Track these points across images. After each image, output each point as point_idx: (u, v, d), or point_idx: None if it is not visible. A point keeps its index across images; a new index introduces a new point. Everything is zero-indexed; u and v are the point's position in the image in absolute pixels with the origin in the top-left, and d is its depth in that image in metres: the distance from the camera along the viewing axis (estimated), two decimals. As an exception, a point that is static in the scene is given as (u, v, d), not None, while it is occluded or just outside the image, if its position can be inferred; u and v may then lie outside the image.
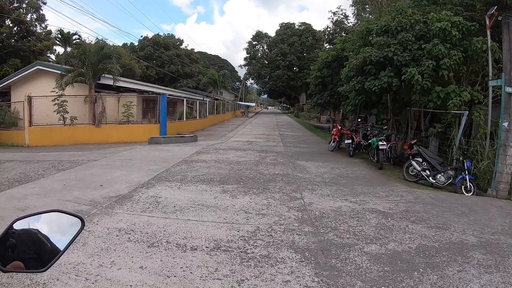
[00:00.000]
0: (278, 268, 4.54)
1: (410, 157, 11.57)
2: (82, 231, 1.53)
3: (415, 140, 12.81)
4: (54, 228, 1.49)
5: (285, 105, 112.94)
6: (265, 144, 19.15)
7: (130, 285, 4.13)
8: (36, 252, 1.38)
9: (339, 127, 17.99)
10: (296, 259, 4.79)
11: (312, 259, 4.80)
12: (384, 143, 13.05)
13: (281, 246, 5.25)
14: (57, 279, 4.24)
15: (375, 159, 13.37)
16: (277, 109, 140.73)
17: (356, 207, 7.42)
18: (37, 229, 1.42)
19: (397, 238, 5.63)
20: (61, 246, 1.44)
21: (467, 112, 11.24)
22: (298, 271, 4.45)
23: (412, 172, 11.31)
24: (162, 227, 6.07)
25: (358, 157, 15.40)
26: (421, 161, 11.11)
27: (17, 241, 1.35)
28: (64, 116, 19.51)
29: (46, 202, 7.77)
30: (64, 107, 19.31)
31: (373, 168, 13.08)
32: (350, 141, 15.84)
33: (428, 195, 8.99)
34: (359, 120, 19.23)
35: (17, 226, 1.40)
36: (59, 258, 1.41)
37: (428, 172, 10.80)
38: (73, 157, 14.39)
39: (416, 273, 4.42)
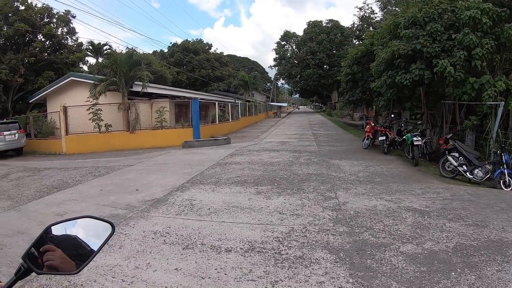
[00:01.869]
0: (313, 269, 4.52)
1: (446, 152, 11.29)
2: (113, 235, 1.57)
3: (450, 134, 12.48)
4: (86, 232, 1.53)
5: (317, 104, 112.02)
6: (299, 144, 19.07)
7: (165, 287, 4.23)
8: (71, 255, 1.43)
9: (373, 124, 17.65)
10: (330, 260, 4.75)
11: (347, 259, 4.75)
12: (419, 138, 12.74)
13: (316, 247, 5.22)
14: (94, 281, 4.37)
15: (410, 155, 13.05)
16: (309, 108, 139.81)
17: (391, 205, 7.28)
18: (76, 234, 1.47)
19: (434, 237, 5.48)
20: (92, 251, 1.48)
21: (503, 102, 10.88)
22: (333, 272, 4.42)
23: (448, 167, 11.01)
24: (197, 229, 6.15)
25: (392, 154, 15.11)
26: (457, 156, 10.80)
27: (54, 245, 1.40)
28: (99, 124, 20.00)
29: (84, 207, 8.00)
30: (98, 115, 19.79)
31: (408, 164, 12.78)
32: (384, 137, 15.56)
33: (465, 191, 8.70)
34: (392, 116, 18.91)
35: (54, 231, 1.45)
36: (90, 262, 1.45)
37: (465, 167, 10.48)
38: (109, 163, 14.71)
39: (453, 273, 4.29)
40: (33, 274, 1.34)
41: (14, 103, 32.46)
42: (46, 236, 1.42)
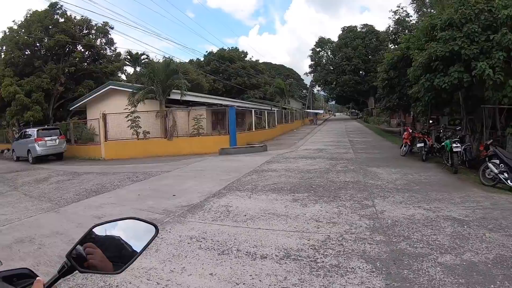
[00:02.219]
0: (348, 278, 4.47)
1: (486, 159, 10.93)
2: (156, 238, 1.60)
3: (491, 140, 12.10)
4: (129, 234, 1.57)
5: (353, 110, 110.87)
6: (335, 151, 18.94)
7: None
8: (114, 256, 1.47)
9: (410, 130, 17.33)
10: (366, 269, 4.69)
11: (383, 269, 4.68)
12: (458, 145, 12.41)
13: (352, 256, 5.16)
14: (129, 282, 4.47)
15: (449, 162, 12.69)
16: (346, 115, 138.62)
17: (430, 214, 7.12)
18: (119, 236, 1.52)
19: (473, 248, 5.31)
20: (135, 252, 1.51)
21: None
22: (369, 281, 4.35)
23: (489, 175, 10.61)
24: (233, 236, 6.20)
25: (431, 161, 14.76)
26: (498, 163, 10.42)
27: (97, 245, 1.45)
28: (137, 130, 20.46)
29: (121, 211, 8.21)
30: (137, 123, 20.24)
31: (447, 172, 12.45)
32: (422, 144, 15.21)
33: (506, 200, 8.42)
34: (430, 121, 18.54)
35: (97, 231, 1.49)
36: (132, 262, 1.49)
37: (506, 174, 10.08)
38: (147, 169, 15.00)
39: (492, 286, 4.14)
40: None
41: (55, 110, 33.49)
42: (89, 236, 1.47)
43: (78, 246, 1.40)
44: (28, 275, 1.53)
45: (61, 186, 12.56)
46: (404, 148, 16.84)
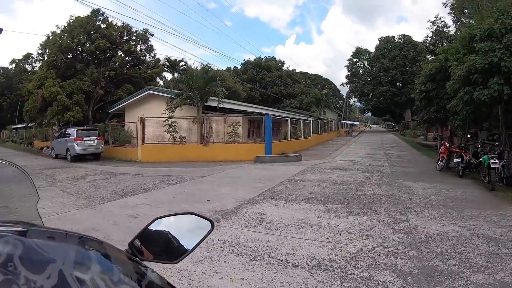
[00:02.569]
0: (379, 292, 4.50)
1: (525, 176, 10.69)
2: (211, 233, 1.69)
3: (531, 158, 11.81)
4: (186, 228, 1.66)
5: (389, 122, 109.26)
6: (370, 164, 18.80)
7: None
8: (166, 248, 1.58)
9: (448, 145, 17.00)
10: (397, 284, 4.68)
11: (415, 285, 4.66)
12: (496, 161, 12.09)
13: (383, 269, 5.17)
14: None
15: (486, 179, 12.35)
16: (382, 127, 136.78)
17: (464, 232, 7.02)
18: (168, 230, 1.62)
19: (507, 268, 5.23)
20: (190, 245, 1.60)
21: None
22: (399, 296, 4.36)
23: (527, 194, 10.41)
24: (265, 242, 6.28)
25: (468, 177, 14.41)
26: (537, 181, 10.18)
27: (153, 237, 1.56)
28: (174, 135, 20.83)
29: (156, 212, 8.23)
30: (174, 127, 20.64)
31: (484, 189, 12.14)
32: (459, 159, 14.87)
33: (545, 221, 8.23)
34: (468, 136, 18.19)
35: (156, 223, 1.60)
36: (189, 254, 1.58)
37: (546, 194, 9.87)
38: (182, 173, 15.26)
39: (525, 307, 4.11)
40: None
41: (94, 112, 34.39)
42: (149, 228, 1.58)
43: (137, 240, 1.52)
44: None
45: (97, 185, 12.94)
46: (441, 163, 16.56)
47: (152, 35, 38.04)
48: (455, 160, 15.15)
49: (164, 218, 1.62)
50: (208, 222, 1.69)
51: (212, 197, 10.20)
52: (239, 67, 68.90)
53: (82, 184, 13.30)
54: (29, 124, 48.44)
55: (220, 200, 9.79)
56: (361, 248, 6.06)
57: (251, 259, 5.51)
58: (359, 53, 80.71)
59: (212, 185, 12.31)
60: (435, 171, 16.27)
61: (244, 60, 72.20)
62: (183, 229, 1.64)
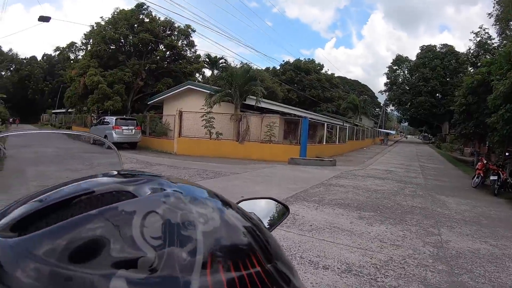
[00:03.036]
0: (407, 302, 4.57)
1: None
2: (287, 218, 1.78)
3: None
4: (264, 212, 1.77)
5: (426, 134, 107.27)
6: (404, 175, 18.60)
7: None
8: None
9: (485, 161, 16.61)
10: (427, 296, 4.74)
11: (444, 298, 4.71)
12: (533, 182, 11.88)
13: (412, 280, 5.19)
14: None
15: (523, 199, 12.25)
16: (418, 138, 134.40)
17: (496, 251, 6.92)
18: (252, 211, 1.74)
19: (535, 290, 5.18)
20: (269, 227, 1.64)
21: None
22: (427, 308, 4.42)
23: None
24: (297, 243, 6.38)
25: (503, 197, 14.02)
26: None
27: None
28: (211, 131, 21.14)
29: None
30: (211, 123, 20.95)
31: (519, 209, 11.98)
32: (496, 177, 14.46)
33: None
34: (507, 154, 17.87)
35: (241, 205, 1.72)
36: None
37: None
38: (217, 168, 15.49)
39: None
40: None
41: (133, 102, 35.15)
42: None
43: None
44: None
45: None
46: (476, 180, 16.25)
47: (194, 31, 38.53)
48: (492, 177, 14.86)
49: (248, 201, 1.70)
50: (285, 207, 1.76)
51: (246, 193, 10.29)
52: (278, 67, 69.09)
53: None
54: (69, 110, 49.75)
55: (254, 196, 9.96)
56: (391, 257, 6.09)
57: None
58: (399, 61, 79.27)
59: (246, 182, 12.48)
60: (470, 187, 16.01)
61: (283, 61, 72.28)
62: (263, 212, 1.75)
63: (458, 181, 18.43)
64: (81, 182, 0.77)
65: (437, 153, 45.02)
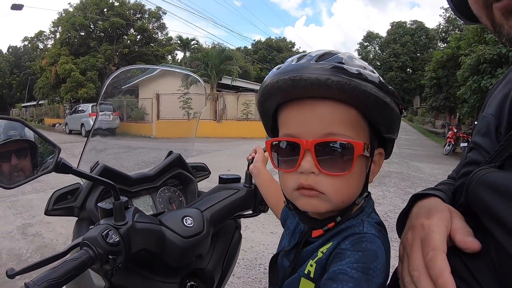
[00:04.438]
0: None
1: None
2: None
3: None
4: None
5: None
6: (380, 145, 19.13)
7: (263, 244, 5.04)
8: None
9: (455, 130, 17.39)
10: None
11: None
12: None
13: (394, 230, 5.63)
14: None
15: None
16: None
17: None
18: None
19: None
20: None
21: None
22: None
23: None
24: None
25: (473, 161, 14.79)
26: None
27: None
28: (188, 112, 21.28)
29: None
30: (188, 104, 21.07)
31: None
32: (466, 144, 15.01)
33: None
34: (476, 122, 18.53)
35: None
36: None
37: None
38: (197, 147, 15.75)
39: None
40: None
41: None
42: None
43: None
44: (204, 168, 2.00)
45: (118, 157, 13.38)
46: (448, 147, 16.95)
47: (165, 13, 38.35)
48: (462, 144, 15.57)
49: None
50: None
51: (231, 167, 10.65)
52: (249, 47, 69.13)
53: (103, 156, 13.80)
54: (40, 102, 48.85)
55: (239, 170, 10.25)
56: (374, 212, 6.55)
57: (277, 219, 6.03)
58: (370, 37, 79.94)
59: (229, 158, 12.85)
60: (442, 155, 16.70)
61: (254, 40, 72.27)
62: None
63: (430, 149, 19.20)
64: None
65: (409, 126, 45.99)
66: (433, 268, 0.64)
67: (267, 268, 1.00)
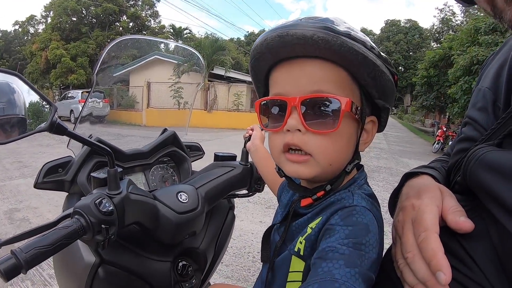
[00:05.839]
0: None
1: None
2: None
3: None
4: None
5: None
6: (368, 140, 19.27)
7: (252, 232, 5.03)
8: None
9: (445, 129, 17.64)
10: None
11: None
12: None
13: (386, 223, 5.69)
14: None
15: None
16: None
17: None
18: None
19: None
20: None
21: None
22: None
23: None
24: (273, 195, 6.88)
25: (461, 160, 14.96)
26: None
27: None
28: (179, 101, 21.25)
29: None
30: (179, 93, 21.02)
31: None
32: None
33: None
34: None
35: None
36: None
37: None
38: (188, 136, 15.75)
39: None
40: None
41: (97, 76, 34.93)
42: None
43: None
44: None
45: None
46: (437, 145, 17.13)
47: (158, 1, 38.20)
48: (451, 143, 15.64)
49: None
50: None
51: (222, 157, 10.77)
52: (242, 38, 69.08)
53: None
54: (29, 88, 48.64)
55: (230, 158, 10.35)
56: (363, 206, 6.59)
57: (266, 208, 6.13)
58: (364, 34, 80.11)
59: (220, 147, 12.82)
60: (430, 152, 16.85)
61: (248, 32, 72.30)
62: None
63: (419, 147, 19.34)
64: None
65: (399, 124, 46.41)
66: (426, 250, 0.63)
67: (256, 257, 0.99)
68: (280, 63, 0.83)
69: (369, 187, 0.89)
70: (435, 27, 47.09)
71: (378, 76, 0.78)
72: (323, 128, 0.77)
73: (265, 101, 0.88)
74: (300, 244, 0.81)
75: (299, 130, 0.78)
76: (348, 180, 0.87)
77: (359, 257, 0.67)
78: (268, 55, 0.83)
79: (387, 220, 0.85)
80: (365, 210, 0.75)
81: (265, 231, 1.00)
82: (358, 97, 0.82)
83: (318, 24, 0.75)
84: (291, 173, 0.83)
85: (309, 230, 0.80)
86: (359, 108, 0.80)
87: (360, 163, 0.91)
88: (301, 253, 0.80)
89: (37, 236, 0.78)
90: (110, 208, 0.88)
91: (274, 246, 0.94)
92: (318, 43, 0.73)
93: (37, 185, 1.24)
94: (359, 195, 0.80)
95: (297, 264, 0.82)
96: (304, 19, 0.78)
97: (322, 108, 0.77)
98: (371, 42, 0.80)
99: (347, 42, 0.74)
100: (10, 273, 0.69)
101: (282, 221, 0.96)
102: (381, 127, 0.94)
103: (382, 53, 0.81)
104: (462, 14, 38.12)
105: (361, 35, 0.78)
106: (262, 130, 1.47)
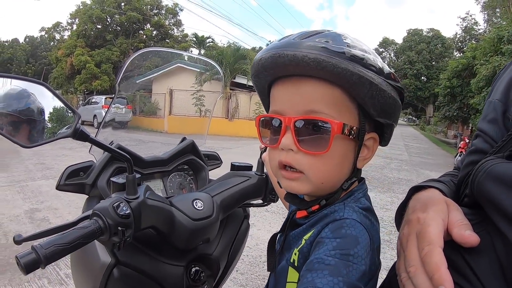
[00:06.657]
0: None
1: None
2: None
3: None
4: None
5: (410, 116, 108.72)
6: (390, 152, 18.94)
7: None
8: None
9: (467, 140, 17.29)
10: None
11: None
12: None
13: (393, 236, 5.66)
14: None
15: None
16: (402, 121, 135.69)
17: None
18: None
19: None
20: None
21: None
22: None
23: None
24: (292, 205, 6.87)
25: (484, 173, 14.70)
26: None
27: None
28: (201, 108, 21.38)
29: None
30: (201, 101, 21.15)
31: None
32: None
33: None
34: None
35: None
36: None
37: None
38: (209, 144, 15.74)
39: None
40: None
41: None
42: None
43: None
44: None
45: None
46: (459, 158, 16.74)
47: (181, 10, 38.61)
48: (460, 157, 15.41)
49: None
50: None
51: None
52: (264, 47, 69.44)
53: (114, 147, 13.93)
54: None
55: (249, 168, 10.34)
56: (382, 217, 6.57)
57: (283, 217, 6.04)
58: (386, 43, 79.27)
59: (239, 156, 12.80)
60: (452, 164, 16.52)
61: (270, 41, 72.58)
62: None
63: (441, 159, 19.03)
64: None
65: (421, 135, 45.74)
66: (429, 264, 0.63)
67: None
68: (279, 79, 0.85)
69: (367, 200, 0.88)
70: (458, 36, 46.49)
71: (376, 95, 0.78)
72: (314, 149, 0.78)
73: (263, 118, 0.90)
74: (294, 255, 0.83)
75: (292, 150, 0.80)
76: (346, 193, 0.87)
77: (346, 267, 0.68)
78: (265, 73, 0.85)
79: (394, 233, 0.86)
80: (355, 223, 0.75)
81: (269, 240, 1.04)
82: (356, 116, 0.82)
83: (312, 43, 0.76)
84: (286, 188, 0.86)
85: (303, 242, 0.82)
86: (354, 128, 0.80)
87: (367, 175, 0.92)
88: (296, 264, 0.82)
89: (57, 234, 0.82)
90: (127, 212, 0.91)
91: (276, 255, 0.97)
92: (309, 64, 0.74)
93: (59, 187, 1.27)
94: (351, 208, 0.81)
95: (293, 275, 0.83)
96: (298, 37, 0.79)
97: (314, 128, 0.78)
98: (375, 57, 0.81)
99: (340, 63, 0.74)
100: (30, 267, 0.72)
101: (281, 230, 0.99)
102: (384, 142, 0.94)
103: (386, 68, 0.82)
104: (485, 23, 37.55)
105: (359, 53, 0.77)
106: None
